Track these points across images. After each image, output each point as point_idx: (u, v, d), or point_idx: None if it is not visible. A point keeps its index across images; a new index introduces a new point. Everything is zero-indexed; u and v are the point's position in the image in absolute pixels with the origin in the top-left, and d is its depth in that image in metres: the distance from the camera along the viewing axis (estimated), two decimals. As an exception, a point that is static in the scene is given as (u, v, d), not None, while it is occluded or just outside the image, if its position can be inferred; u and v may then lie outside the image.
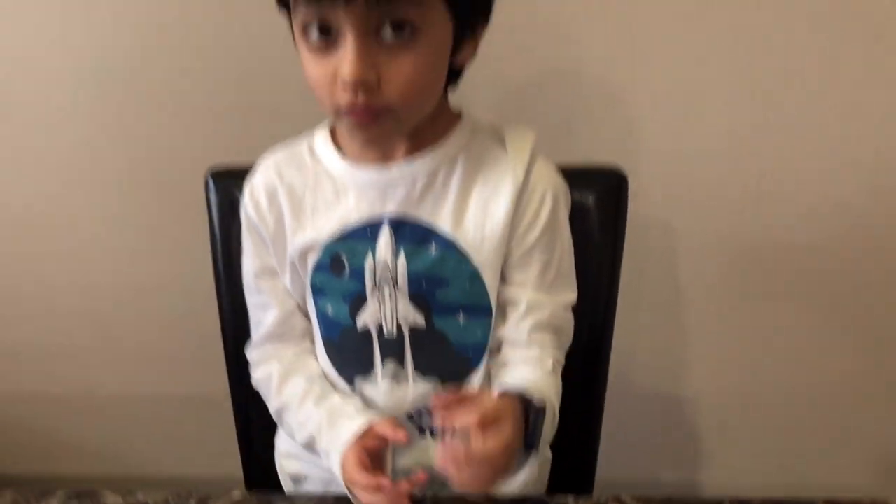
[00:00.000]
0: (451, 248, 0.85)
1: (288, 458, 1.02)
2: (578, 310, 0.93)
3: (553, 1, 1.22)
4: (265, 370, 0.95)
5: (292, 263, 0.90)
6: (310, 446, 0.89)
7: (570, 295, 0.92)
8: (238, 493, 0.83)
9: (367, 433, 0.83)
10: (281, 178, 0.89)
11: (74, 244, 1.43)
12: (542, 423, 0.76)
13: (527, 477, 0.93)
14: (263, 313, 0.94)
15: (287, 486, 1.03)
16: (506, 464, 0.72)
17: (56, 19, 1.27)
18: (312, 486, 0.98)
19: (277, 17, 0.79)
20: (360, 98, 0.73)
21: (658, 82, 1.26)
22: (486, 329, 0.89)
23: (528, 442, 0.75)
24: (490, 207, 0.84)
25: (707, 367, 1.49)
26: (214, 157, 1.17)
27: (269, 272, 0.92)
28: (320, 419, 0.88)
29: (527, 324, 0.88)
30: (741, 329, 1.45)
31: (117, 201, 1.39)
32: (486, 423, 0.69)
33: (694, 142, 1.30)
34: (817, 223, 1.35)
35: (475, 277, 0.86)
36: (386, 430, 0.82)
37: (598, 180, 1.00)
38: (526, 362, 0.88)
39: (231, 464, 1.20)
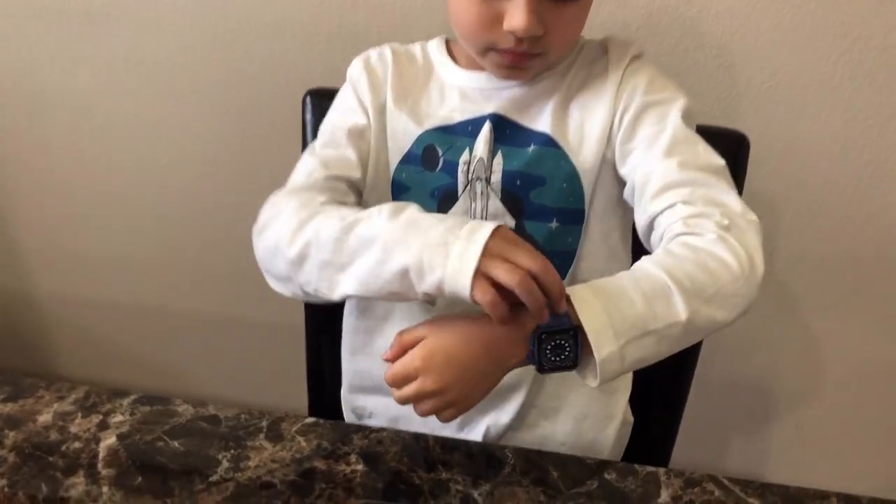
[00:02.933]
0: (549, 145, 0.82)
1: (354, 393, 0.98)
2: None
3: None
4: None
5: (378, 153, 0.87)
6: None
7: (711, 157, 0.78)
8: (311, 419, 0.80)
9: None
10: (396, 63, 0.89)
11: (158, 154, 1.42)
12: (556, 341, 0.66)
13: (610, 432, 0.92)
14: (322, 164, 0.84)
15: (350, 421, 1.00)
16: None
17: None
18: (377, 423, 0.95)
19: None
20: (524, 46, 0.76)
21: (781, 60, 1.19)
22: (577, 236, 0.84)
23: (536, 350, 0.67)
24: (590, 107, 0.83)
25: (792, 363, 1.41)
26: (310, 80, 1.13)
27: (357, 134, 0.87)
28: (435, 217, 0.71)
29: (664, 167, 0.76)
30: (831, 327, 1.37)
31: (207, 115, 1.37)
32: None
33: (810, 123, 1.22)
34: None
35: (573, 177, 0.82)
36: None
37: (720, 142, 0.93)
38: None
39: (296, 397, 1.18)
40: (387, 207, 0.71)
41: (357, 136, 0.87)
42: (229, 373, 1.62)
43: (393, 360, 0.70)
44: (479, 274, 0.63)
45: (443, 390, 0.68)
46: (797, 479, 0.77)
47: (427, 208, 0.82)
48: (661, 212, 0.76)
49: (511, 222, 0.84)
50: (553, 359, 0.67)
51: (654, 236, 0.77)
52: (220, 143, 1.38)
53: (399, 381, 0.69)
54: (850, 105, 1.20)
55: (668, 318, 0.66)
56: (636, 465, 0.75)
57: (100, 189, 1.46)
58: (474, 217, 0.84)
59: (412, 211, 0.70)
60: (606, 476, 0.74)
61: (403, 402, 0.70)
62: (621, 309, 0.65)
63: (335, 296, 0.72)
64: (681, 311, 0.66)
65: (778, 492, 0.73)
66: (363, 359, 0.94)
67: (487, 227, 0.65)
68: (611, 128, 0.82)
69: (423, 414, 0.70)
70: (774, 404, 1.46)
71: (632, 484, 0.73)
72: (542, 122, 0.84)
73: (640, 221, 0.79)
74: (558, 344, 0.66)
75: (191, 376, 1.64)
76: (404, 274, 0.67)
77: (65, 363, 1.69)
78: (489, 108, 0.84)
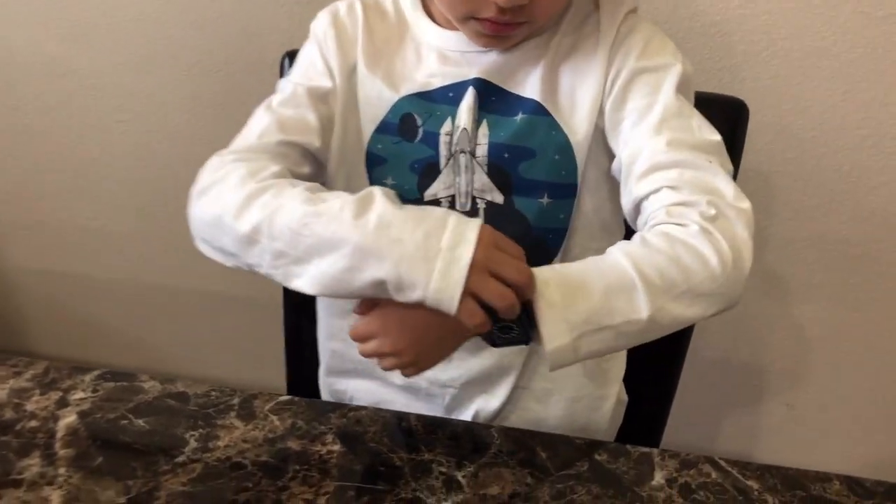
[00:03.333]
0: (539, 113, 0.75)
1: (333, 376, 0.92)
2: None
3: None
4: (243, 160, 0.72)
5: (346, 121, 0.78)
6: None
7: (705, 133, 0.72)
8: (287, 397, 0.75)
9: None
10: (367, 18, 0.80)
11: (131, 121, 1.36)
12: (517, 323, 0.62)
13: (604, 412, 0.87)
14: (278, 124, 0.76)
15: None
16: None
17: None
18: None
19: None
20: (507, 16, 0.70)
21: (779, 29, 1.14)
22: (569, 212, 0.78)
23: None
24: (581, 70, 0.76)
25: (783, 343, 1.38)
26: (288, 42, 1.08)
27: (320, 97, 0.78)
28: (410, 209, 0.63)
29: (650, 147, 0.70)
30: (822, 306, 1.34)
31: (182, 79, 1.31)
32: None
33: (808, 95, 1.18)
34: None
35: (565, 149, 0.75)
36: None
37: (718, 109, 0.89)
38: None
39: (274, 376, 1.13)
40: (349, 204, 0.62)
41: (319, 98, 0.78)
42: (205, 351, 1.57)
43: (362, 314, 0.67)
44: (466, 293, 0.58)
45: (398, 353, 0.65)
46: (788, 460, 0.74)
47: (407, 183, 0.78)
48: (647, 196, 0.70)
49: (499, 198, 0.78)
50: (503, 336, 0.64)
51: (640, 220, 0.72)
52: (196, 108, 1.33)
53: (360, 338, 0.66)
54: (850, 76, 1.16)
55: (628, 314, 0.61)
56: (629, 446, 0.71)
57: (71, 157, 1.40)
58: (459, 195, 0.78)
59: (380, 205, 0.61)
60: (597, 457, 0.70)
61: (365, 356, 0.67)
62: (578, 301, 0.61)
63: (291, 286, 0.65)
64: (642, 307, 0.61)
65: (777, 473, 0.69)
66: (340, 342, 0.88)
67: (471, 237, 0.59)
68: (602, 94, 0.76)
69: (386, 369, 0.67)
70: (766, 384, 1.43)
71: (624, 465, 0.69)
72: (530, 87, 0.76)
73: (626, 203, 0.74)
74: (506, 325, 0.62)
75: (165, 355, 1.59)
76: (378, 284, 0.60)
77: (31, 338, 1.63)
78: (472, 73, 0.77)
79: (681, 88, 0.74)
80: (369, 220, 0.60)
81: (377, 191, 0.63)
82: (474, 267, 0.58)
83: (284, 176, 0.70)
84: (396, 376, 0.84)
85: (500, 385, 0.83)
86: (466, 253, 0.58)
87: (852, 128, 1.20)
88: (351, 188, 0.79)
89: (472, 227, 0.60)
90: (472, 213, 0.78)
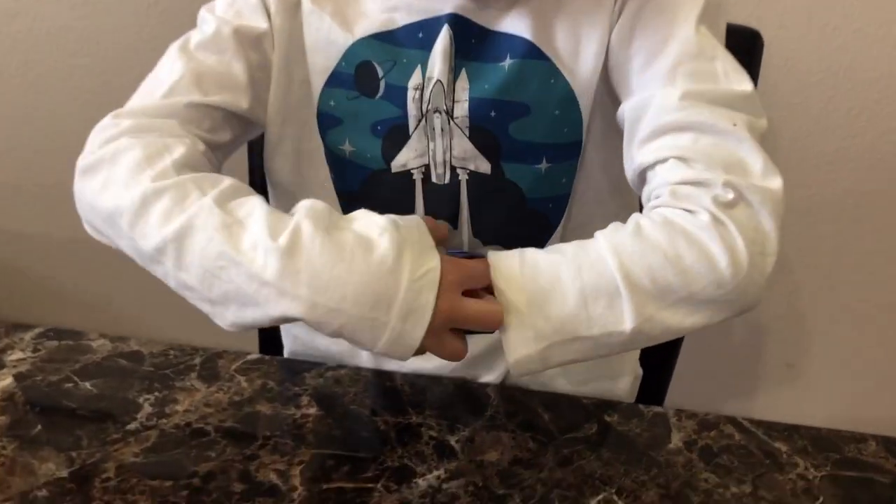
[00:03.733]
0: (532, 56, 0.61)
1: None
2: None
3: None
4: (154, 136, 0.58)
5: (288, 71, 0.64)
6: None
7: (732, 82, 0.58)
8: (256, 355, 0.67)
9: None
10: None
11: (89, 70, 1.26)
12: None
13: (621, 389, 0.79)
14: (193, 78, 0.61)
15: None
16: None
17: None
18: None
19: None
20: None
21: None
22: (572, 175, 0.65)
23: None
24: (584, 8, 0.61)
25: (783, 299, 1.32)
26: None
27: (250, 41, 0.63)
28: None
29: (652, 116, 0.58)
30: (820, 263, 1.28)
31: (148, 24, 1.22)
32: None
33: (816, 34, 1.11)
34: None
35: (568, 100, 0.61)
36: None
37: (733, 38, 0.81)
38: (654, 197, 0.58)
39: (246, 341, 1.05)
40: (273, 255, 0.48)
41: (250, 44, 0.63)
42: (169, 313, 1.47)
43: None
44: (418, 352, 0.51)
45: None
46: (789, 419, 0.67)
47: (369, 149, 0.64)
48: (652, 165, 0.57)
49: (485, 166, 0.64)
50: None
51: (646, 192, 0.59)
52: (161, 53, 1.22)
53: None
54: (860, 14, 1.09)
55: (608, 324, 0.51)
56: (641, 406, 0.64)
57: (20, 107, 1.30)
58: (435, 165, 0.65)
59: (310, 256, 0.49)
60: (607, 418, 0.63)
61: None
62: (548, 307, 0.51)
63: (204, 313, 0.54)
64: (626, 318, 0.51)
65: (807, 434, 0.62)
66: (303, 327, 0.75)
67: (429, 301, 0.49)
68: (611, 26, 0.61)
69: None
70: (765, 344, 1.37)
71: (637, 427, 0.62)
72: (519, 22, 0.61)
73: (629, 170, 0.61)
74: None
75: (120, 313, 1.49)
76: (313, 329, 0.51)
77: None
78: (445, 7, 0.62)
79: (706, 17, 0.59)
80: (299, 282, 0.48)
81: (305, 226, 0.50)
82: (429, 332, 0.49)
83: (193, 154, 0.58)
84: (370, 364, 0.73)
85: (492, 370, 0.72)
86: (420, 325, 0.49)
87: (862, 69, 1.12)
88: (302, 154, 0.67)
89: (430, 286, 0.49)
90: (453, 185, 0.65)
